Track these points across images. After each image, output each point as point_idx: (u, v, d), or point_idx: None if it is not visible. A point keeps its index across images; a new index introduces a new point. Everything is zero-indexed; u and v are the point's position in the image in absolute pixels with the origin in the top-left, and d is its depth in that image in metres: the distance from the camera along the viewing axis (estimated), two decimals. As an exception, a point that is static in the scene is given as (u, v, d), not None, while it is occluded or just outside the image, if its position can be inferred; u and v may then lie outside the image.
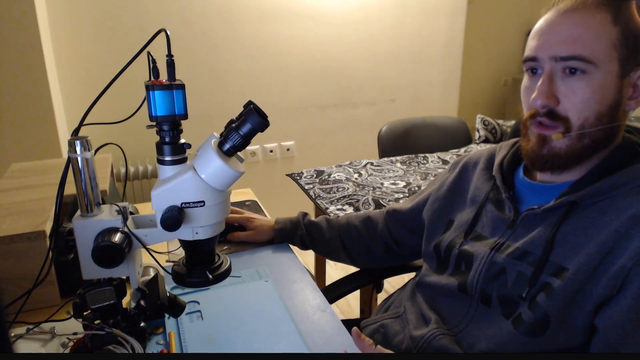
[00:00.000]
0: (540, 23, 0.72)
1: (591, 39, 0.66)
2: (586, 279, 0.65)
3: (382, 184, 1.67)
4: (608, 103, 0.68)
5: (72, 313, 0.69)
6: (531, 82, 0.73)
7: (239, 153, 0.67)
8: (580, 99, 0.68)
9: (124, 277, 0.71)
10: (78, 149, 0.64)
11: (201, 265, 0.70)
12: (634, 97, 0.71)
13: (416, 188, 1.62)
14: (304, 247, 1.08)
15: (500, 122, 2.37)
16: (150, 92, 0.60)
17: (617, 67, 0.67)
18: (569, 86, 0.68)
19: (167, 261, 0.77)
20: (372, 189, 1.62)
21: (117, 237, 0.64)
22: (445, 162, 1.95)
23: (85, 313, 0.69)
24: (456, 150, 2.15)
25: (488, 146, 1.00)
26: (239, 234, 1.07)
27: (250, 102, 0.64)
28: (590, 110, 0.68)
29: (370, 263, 1.11)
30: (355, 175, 1.76)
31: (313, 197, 1.58)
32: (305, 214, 1.11)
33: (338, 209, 1.45)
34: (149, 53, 0.62)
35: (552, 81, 0.69)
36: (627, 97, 0.70)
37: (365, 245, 1.07)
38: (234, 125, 0.64)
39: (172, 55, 0.61)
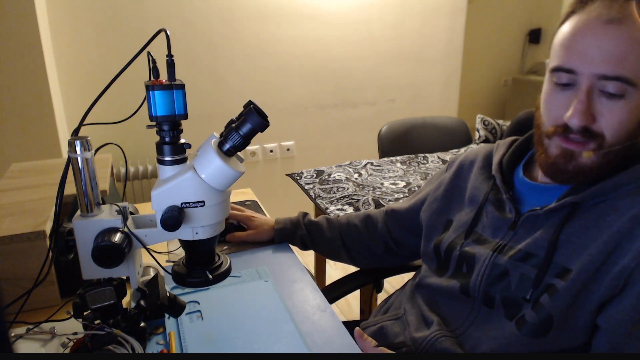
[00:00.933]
0: (575, 29, 0.66)
1: (636, 57, 0.62)
2: (589, 279, 0.65)
3: (382, 184, 1.67)
4: (638, 121, 0.66)
5: (72, 313, 0.69)
6: (561, 95, 0.68)
7: (239, 153, 0.67)
8: (618, 119, 0.65)
9: (124, 277, 0.71)
10: (78, 149, 0.64)
11: (201, 265, 0.70)
12: None
13: (416, 188, 1.62)
14: (304, 247, 1.08)
15: (500, 122, 2.36)
16: (150, 92, 0.60)
17: None
18: (607, 106, 0.65)
19: (167, 261, 0.77)
20: (372, 189, 1.62)
21: (117, 237, 0.64)
22: (445, 162, 1.95)
23: (85, 313, 0.69)
24: (456, 150, 2.15)
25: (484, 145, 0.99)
26: (238, 234, 1.07)
27: (250, 102, 0.64)
28: (624, 130, 0.66)
29: (370, 263, 1.11)
30: (355, 175, 1.76)
31: (313, 197, 1.58)
32: (305, 214, 1.11)
33: (338, 209, 1.45)
34: (149, 53, 0.62)
35: (590, 100, 0.65)
36: None
37: (366, 245, 1.07)
38: (234, 125, 0.64)
39: (172, 55, 0.61)
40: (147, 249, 0.69)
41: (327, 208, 1.46)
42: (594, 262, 0.65)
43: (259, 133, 0.63)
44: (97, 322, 0.68)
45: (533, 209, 0.74)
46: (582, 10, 0.66)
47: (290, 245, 1.08)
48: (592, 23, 0.64)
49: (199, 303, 0.83)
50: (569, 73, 0.66)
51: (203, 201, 0.64)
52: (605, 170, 0.69)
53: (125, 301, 0.79)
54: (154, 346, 0.73)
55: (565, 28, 0.68)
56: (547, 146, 0.71)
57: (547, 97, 0.71)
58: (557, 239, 0.70)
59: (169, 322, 0.78)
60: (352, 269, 1.15)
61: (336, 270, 2.43)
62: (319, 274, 1.94)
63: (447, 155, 2.03)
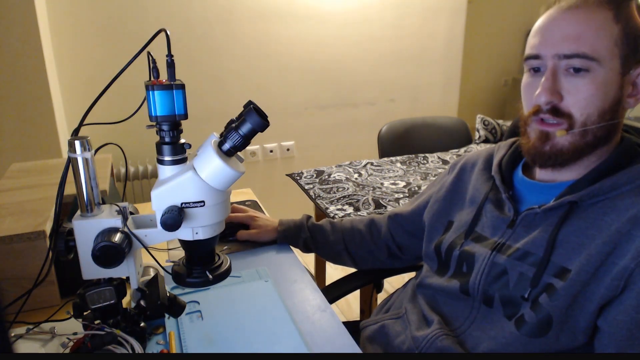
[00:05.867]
0: (541, 20, 0.72)
1: (594, 36, 0.67)
2: (588, 279, 0.65)
3: (382, 184, 1.67)
4: (610, 100, 0.69)
5: (72, 313, 0.69)
6: (533, 80, 0.73)
7: (239, 153, 0.67)
8: (583, 95, 0.68)
9: (124, 277, 0.71)
10: (78, 149, 0.64)
11: (201, 265, 0.70)
12: (633, 95, 0.71)
13: (416, 188, 1.62)
14: (306, 250, 1.07)
15: (500, 122, 2.36)
16: (150, 92, 0.60)
17: (618, 64, 0.68)
18: (573, 83, 0.69)
19: (167, 261, 0.77)
20: (372, 189, 1.62)
21: (117, 237, 0.64)
22: (445, 162, 1.95)
23: (85, 313, 0.69)
24: (456, 150, 2.15)
25: (487, 146, 1.00)
26: (243, 231, 1.07)
27: (250, 102, 0.64)
28: (593, 107, 0.69)
29: (373, 267, 1.11)
30: (355, 175, 1.76)
31: (313, 197, 1.58)
32: (309, 217, 1.11)
33: (338, 209, 1.45)
34: (149, 53, 0.62)
35: (555, 78, 0.69)
36: (626, 95, 0.71)
37: (369, 250, 1.07)
38: (234, 125, 0.64)
39: (172, 55, 0.61)
40: (147, 249, 0.69)
41: (327, 208, 1.46)
42: (593, 262, 0.65)
43: (259, 133, 0.63)
44: (97, 322, 0.69)
45: (531, 207, 0.75)
46: (552, 5, 0.72)
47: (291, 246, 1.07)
48: (553, 12, 0.71)
49: (199, 303, 0.83)
50: (537, 59, 0.72)
51: (203, 201, 0.64)
52: (586, 152, 0.72)
53: (125, 301, 0.79)
54: (154, 346, 0.73)
55: (536, 23, 0.73)
56: (528, 133, 0.75)
57: (524, 86, 0.75)
58: (555, 238, 0.70)
59: (169, 322, 0.78)
60: (353, 269, 1.15)
61: (336, 270, 2.42)
62: (319, 274, 1.94)
63: (447, 156, 2.03)
